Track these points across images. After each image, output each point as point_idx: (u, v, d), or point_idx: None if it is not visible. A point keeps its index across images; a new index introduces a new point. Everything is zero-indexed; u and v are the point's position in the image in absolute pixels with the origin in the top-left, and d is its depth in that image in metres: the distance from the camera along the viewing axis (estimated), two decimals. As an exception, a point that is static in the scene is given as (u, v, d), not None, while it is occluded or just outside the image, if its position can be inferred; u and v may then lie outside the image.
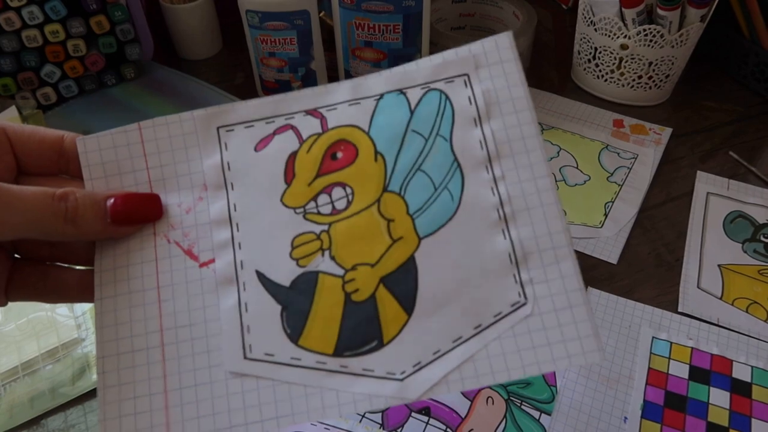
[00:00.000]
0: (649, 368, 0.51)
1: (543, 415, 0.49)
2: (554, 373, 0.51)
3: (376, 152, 0.33)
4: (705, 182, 0.68)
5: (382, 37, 0.70)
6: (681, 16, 0.69)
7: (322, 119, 0.34)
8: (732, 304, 0.56)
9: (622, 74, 0.75)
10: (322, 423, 0.48)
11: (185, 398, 0.30)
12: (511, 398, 0.49)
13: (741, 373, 0.51)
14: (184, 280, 0.32)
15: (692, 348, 0.53)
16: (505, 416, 0.49)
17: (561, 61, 0.85)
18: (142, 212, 0.32)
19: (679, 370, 0.51)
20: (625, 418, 0.48)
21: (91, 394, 0.50)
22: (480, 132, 0.33)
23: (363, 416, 0.48)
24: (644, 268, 0.60)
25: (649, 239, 0.62)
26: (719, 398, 0.49)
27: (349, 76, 0.76)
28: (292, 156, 0.33)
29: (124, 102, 0.77)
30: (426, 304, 0.31)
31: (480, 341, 0.30)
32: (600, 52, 0.75)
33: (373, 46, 0.71)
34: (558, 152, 0.71)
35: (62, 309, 0.55)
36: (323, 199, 0.33)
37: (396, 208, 0.32)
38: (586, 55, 0.77)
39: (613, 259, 0.60)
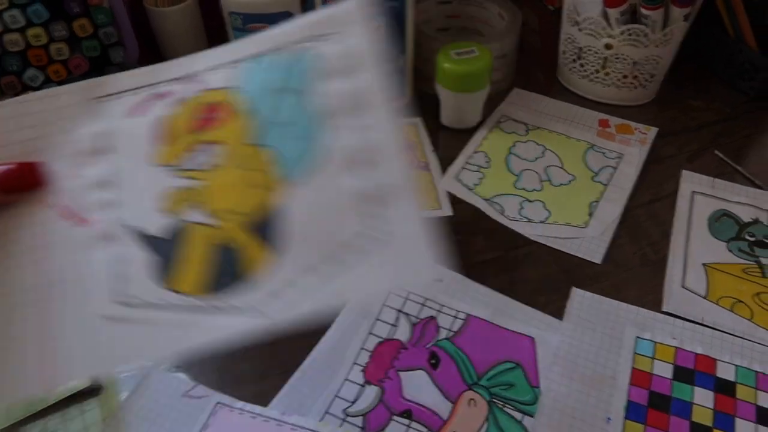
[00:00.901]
0: (633, 368, 0.51)
1: (526, 417, 0.48)
2: (537, 374, 0.51)
3: (249, 110, 0.35)
4: (690, 181, 0.67)
5: (366, 38, 0.70)
6: (665, 15, 0.69)
7: (197, 83, 0.37)
8: (716, 303, 0.55)
9: (607, 74, 0.75)
10: (302, 427, 0.47)
11: (62, 342, 0.32)
12: (494, 400, 0.49)
13: (725, 372, 0.51)
14: (62, 239, 0.34)
15: (676, 347, 0.52)
16: (487, 418, 0.48)
17: (548, 62, 0.85)
18: (27, 181, 0.34)
19: (663, 369, 0.51)
20: (609, 418, 0.48)
21: (70, 399, 0.49)
22: (345, 88, 0.35)
23: (344, 420, 0.48)
24: (629, 268, 0.59)
25: (634, 239, 0.62)
26: (703, 398, 0.49)
27: (333, 77, 0.75)
28: (167, 119, 0.36)
29: (108, 105, 0.76)
30: (291, 245, 0.33)
31: (339, 271, 0.33)
32: (585, 52, 0.75)
33: (357, 48, 0.71)
34: (543, 152, 0.71)
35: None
36: (195, 156, 0.36)
37: (267, 161, 0.35)
38: (571, 55, 0.77)
39: (598, 258, 0.60)
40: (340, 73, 0.35)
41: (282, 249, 0.33)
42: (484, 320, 0.54)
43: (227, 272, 0.33)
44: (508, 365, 0.51)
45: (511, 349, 0.52)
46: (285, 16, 0.69)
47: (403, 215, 0.33)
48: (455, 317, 0.55)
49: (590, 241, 0.61)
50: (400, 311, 0.55)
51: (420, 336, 0.53)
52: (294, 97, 0.35)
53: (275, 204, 0.34)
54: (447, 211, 0.64)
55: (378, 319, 0.55)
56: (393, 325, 0.54)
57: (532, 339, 0.53)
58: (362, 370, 0.51)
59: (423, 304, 0.56)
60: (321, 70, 0.35)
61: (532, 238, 0.62)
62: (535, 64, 0.86)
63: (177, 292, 0.33)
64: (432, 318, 0.55)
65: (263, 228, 0.34)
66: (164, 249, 0.34)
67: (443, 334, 0.54)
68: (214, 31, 0.88)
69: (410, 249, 0.32)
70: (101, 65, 0.77)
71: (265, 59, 0.36)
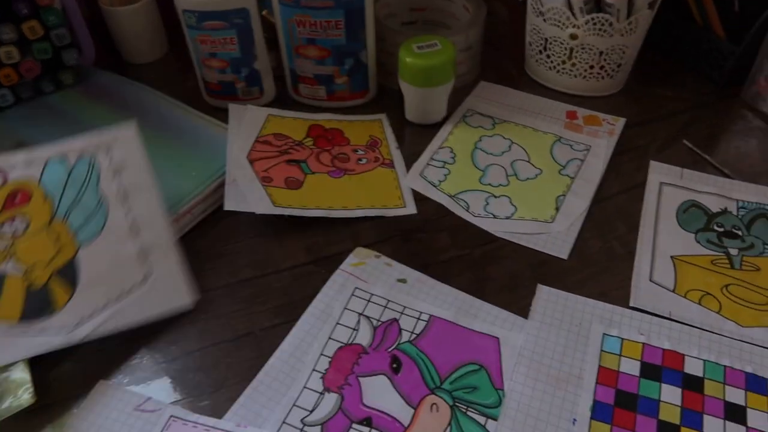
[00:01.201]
0: (600, 366, 0.50)
1: (489, 420, 0.47)
2: (501, 375, 0.49)
3: (46, 195, 0.54)
4: (658, 172, 0.66)
5: (325, 33, 0.68)
6: (629, 3, 0.68)
7: (5, 175, 0.55)
8: (684, 297, 0.54)
9: (573, 65, 0.74)
10: (257, 439, 0.46)
11: None
12: (457, 404, 0.47)
13: (693, 367, 0.49)
14: None
15: (643, 343, 0.51)
16: (450, 423, 0.46)
17: (516, 54, 0.84)
18: None
19: (630, 367, 0.50)
20: (574, 419, 0.46)
21: (19, 418, 0.47)
22: (117, 181, 0.55)
23: (302, 430, 0.46)
24: (596, 263, 0.58)
25: (602, 233, 0.61)
26: (671, 395, 0.48)
27: (294, 75, 0.73)
28: None
29: (63, 110, 0.74)
30: (85, 285, 0.50)
31: (121, 302, 0.50)
32: (550, 43, 0.73)
33: (317, 44, 0.69)
34: (510, 146, 0.70)
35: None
36: (7, 226, 0.52)
37: (62, 229, 0.53)
38: (537, 46, 0.76)
39: (564, 254, 0.58)
40: (111, 173, 0.55)
41: (78, 288, 0.50)
42: (448, 321, 0.53)
43: (38, 306, 0.49)
44: (472, 367, 0.50)
45: (474, 350, 0.51)
46: (242, 12, 0.67)
47: (164, 263, 0.52)
48: (418, 318, 0.53)
49: (556, 237, 0.60)
50: (361, 314, 0.53)
51: (381, 339, 0.52)
52: (77, 188, 0.54)
53: (70, 258, 0.51)
54: (411, 209, 0.63)
55: (339, 323, 0.53)
56: (354, 329, 0.52)
57: (496, 339, 0.52)
58: (321, 377, 0.49)
59: (385, 306, 0.54)
60: (98, 171, 0.55)
61: (497, 234, 0.60)
62: (504, 56, 0.84)
63: None
64: (394, 320, 0.53)
65: (63, 274, 0.50)
66: None
67: (405, 336, 0.52)
68: (174, 30, 0.86)
69: (168, 286, 0.51)
70: (54, 68, 0.75)
71: (54, 162, 0.55)
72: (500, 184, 0.65)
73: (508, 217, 0.62)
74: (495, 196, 0.64)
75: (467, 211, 0.62)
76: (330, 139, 0.70)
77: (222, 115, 0.71)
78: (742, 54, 0.73)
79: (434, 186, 0.65)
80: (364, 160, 0.68)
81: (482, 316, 0.53)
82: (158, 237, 0.53)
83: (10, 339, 0.48)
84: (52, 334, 0.49)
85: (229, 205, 0.60)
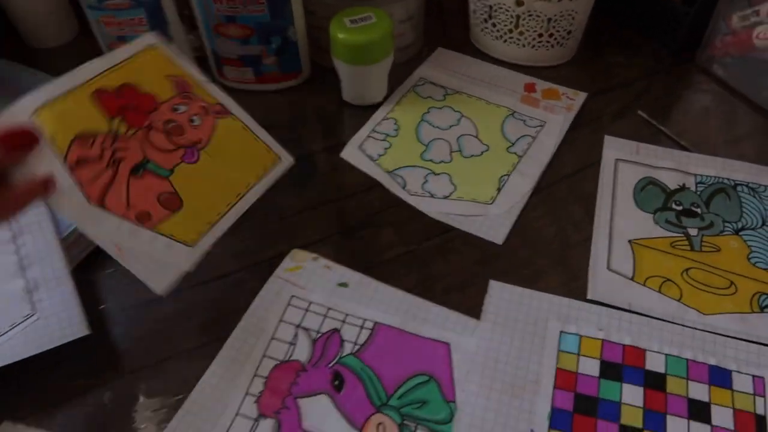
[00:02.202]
0: (557, 368, 0.46)
1: (441, 438, 0.43)
2: (453, 386, 0.45)
3: None
4: (613, 148, 0.62)
5: (245, 9, 0.61)
6: (577, -36, 0.63)
7: None
8: (644, 285, 0.51)
9: (521, 33, 0.68)
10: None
11: None
12: (405, 422, 0.43)
13: (655, 363, 0.46)
14: None
15: (603, 340, 0.48)
16: (398, 445, 0.43)
17: (462, 23, 0.78)
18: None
19: (590, 367, 0.46)
20: (532, 430, 0.43)
21: None
22: (10, 226, 0.52)
23: (234, 465, 0.42)
24: (551, 252, 0.54)
25: (556, 217, 0.57)
26: (632, 396, 0.45)
27: (216, 57, 0.66)
28: None
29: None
30: None
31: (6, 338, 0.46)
32: (495, 11, 0.68)
33: (238, 21, 0.62)
34: (459, 120, 0.64)
35: None
36: None
37: None
38: (482, 14, 0.70)
39: (500, 239, 0.54)
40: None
41: None
42: (394, 328, 0.48)
43: None
44: (421, 379, 0.46)
45: (423, 359, 0.47)
46: (148, -12, 0.59)
47: (55, 295, 0.48)
48: (362, 327, 0.49)
49: (494, 220, 0.55)
50: (298, 326, 0.49)
51: (321, 354, 0.47)
52: None
53: None
54: (287, 157, 0.52)
55: (274, 338, 0.48)
56: (291, 344, 0.48)
57: (446, 345, 0.48)
58: (256, 401, 0.45)
59: (325, 315, 0.49)
60: None
61: (432, 215, 0.55)
62: (448, 26, 0.79)
63: None
64: (335, 331, 0.48)
65: None
66: None
67: (348, 348, 0.47)
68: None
69: (60, 317, 0.47)
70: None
71: None
72: (442, 161, 0.60)
73: (445, 197, 0.57)
74: (435, 174, 0.59)
75: (403, 188, 0.57)
76: (135, 107, 0.46)
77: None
78: (696, 16, 0.69)
79: (372, 160, 0.60)
80: (197, 120, 0.48)
81: (431, 319, 0.49)
82: (50, 269, 0.50)
83: None
84: None
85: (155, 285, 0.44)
